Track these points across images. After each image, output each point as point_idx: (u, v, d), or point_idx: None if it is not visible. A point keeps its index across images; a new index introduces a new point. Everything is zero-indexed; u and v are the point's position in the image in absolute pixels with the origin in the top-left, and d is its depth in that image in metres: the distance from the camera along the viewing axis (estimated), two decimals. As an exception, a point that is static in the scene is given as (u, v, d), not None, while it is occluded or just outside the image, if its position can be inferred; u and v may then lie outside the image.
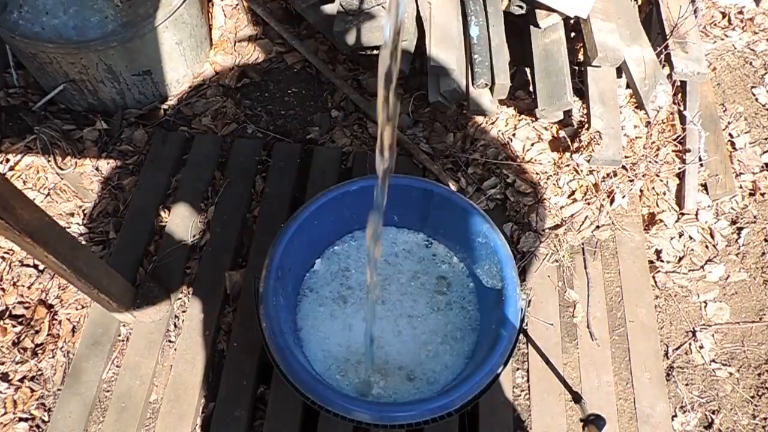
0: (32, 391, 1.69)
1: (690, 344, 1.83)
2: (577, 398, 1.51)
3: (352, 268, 1.62)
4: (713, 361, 1.80)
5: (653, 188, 2.05)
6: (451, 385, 1.31)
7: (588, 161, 1.94)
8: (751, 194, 2.10)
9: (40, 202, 1.99)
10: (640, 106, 1.99)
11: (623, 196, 1.99)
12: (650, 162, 2.04)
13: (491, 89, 1.91)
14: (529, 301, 1.81)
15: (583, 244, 1.94)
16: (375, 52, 2.31)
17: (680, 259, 1.95)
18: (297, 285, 1.60)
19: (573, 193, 2.02)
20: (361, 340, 1.51)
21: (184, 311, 1.80)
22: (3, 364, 1.72)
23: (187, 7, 2.09)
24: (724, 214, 2.05)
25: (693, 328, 1.85)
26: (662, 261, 1.94)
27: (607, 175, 2.02)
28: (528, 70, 2.23)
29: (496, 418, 1.62)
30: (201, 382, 1.68)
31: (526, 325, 1.78)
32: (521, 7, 1.97)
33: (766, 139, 2.24)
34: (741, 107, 2.31)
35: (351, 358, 1.50)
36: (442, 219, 1.61)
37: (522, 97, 2.21)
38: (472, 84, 1.92)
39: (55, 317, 1.80)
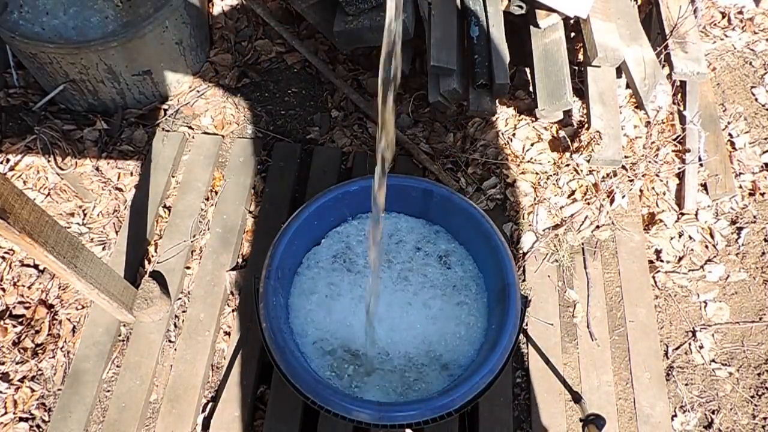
0: (32, 391, 1.69)
1: (690, 344, 1.83)
2: (577, 398, 1.51)
3: (353, 241, 1.60)
4: (713, 361, 1.80)
5: (653, 188, 2.05)
6: (452, 384, 1.30)
7: (588, 161, 1.94)
8: (750, 194, 2.10)
9: (40, 202, 1.99)
10: (639, 106, 1.99)
11: (623, 196, 1.99)
12: (650, 162, 2.04)
13: (491, 89, 1.91)
14: (529, 301, 1.81)
15: (583, 244, 1.94)
16: (375, 52, 2.31)
17: (680, 259, 1.95)
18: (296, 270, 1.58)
19: (573, 193, 2.02)
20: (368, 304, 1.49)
21: (184, 311, 1.80)
22: (3, 364, 1.72)
23: (187, 7, 2.09)
24: (724, 214, 2.05)
25: (693, 328, 1.85)
26: (662, 261, 1.94)
27: (607, 175, 2.02)
28: (528, 70, 2.23)
29: (496, 418, 1.62)
30: (201, 382, 1.68)
31: (526, 325, 1.78)
32: (521, 7, 1.97)
33: (765, 139, 2.24)
34: (741, 107, 2.31)
35: (357, 323, 1.48)
36: (442, 219, 1.61)
37: (522, 97, 2.21)
38: (472, 84, 1.92)
39: (55, 317, 1.80)
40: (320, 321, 1.47)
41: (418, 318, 1.49)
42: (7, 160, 2.04)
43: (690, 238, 1.99)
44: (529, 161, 2.07)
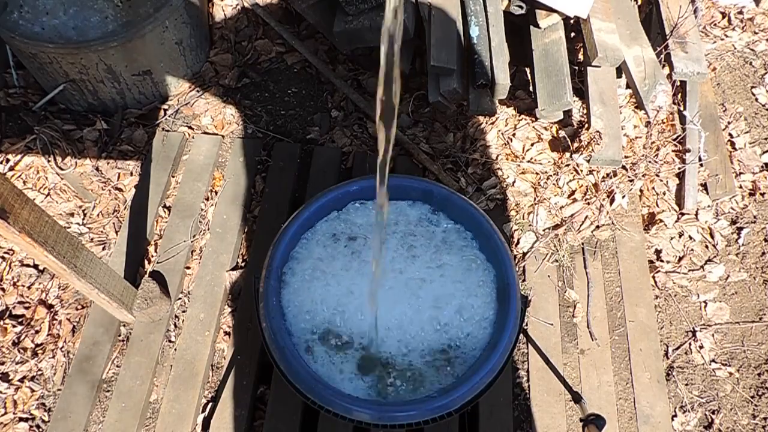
0: (32, 391, 1.69)
1: (690, 344, 1.83)
2: (577, 398, 1.51)
3: (352, 212, 1.56)
4: (713, 361, 1.80)
5: (653, 188, 2.05)
6: (451, 385, 1.30)
7: (588, 161, 1.94)
8: (751, 194, 2.10)
9: (40, 202, 1.99)
10: (640, 106, 1.99)
11: (623, 196, 1.99)
12: (650, 162, 2.04)
13: (491, 89, 1.91)
14: (529, 301, 1.81)
15: (583, 244, 1.94)
16: (375, 52, 2.31)
17: (680, 259, 1.95)
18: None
19: (573, 193, 2.02)
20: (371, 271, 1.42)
21: (184, 311, 1.80)
22: (3, 364, 1.72)
23: (187, 7, 2.09)
24: (724, 214, 2.05)
25: (693, 328, 1.85)
26: (662, 261, 1.94)
27: (607, 175, 2.02)
28: (528, 70, 2.23)
29: (496, 418, 1.62)
30: (201, 382, 1.68)
31: (526, 325, 1.78)
32: (521, 7, 1.96)
33: (766, 139, 2.24)
34: (741, 107, 2.31)
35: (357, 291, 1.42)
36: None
37: (522, 97, 2.21)
38: (472, 84, 1.92)
39: (55, 317, 1.80)
40: (314, 291, 1.41)
41: (426, 274, 1.41)
42: (7, 160, 2.04)
43: (690, 238, 1.99)
44: (529, 161, 2.07)
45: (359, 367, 1.34)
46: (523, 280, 1.86)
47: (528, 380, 1.70)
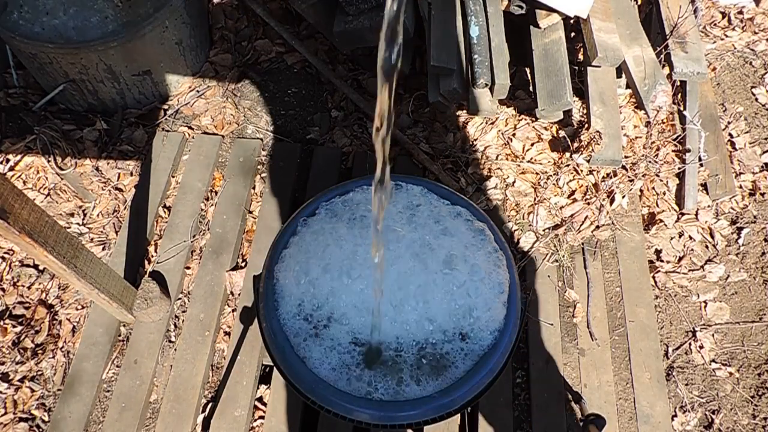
0: (32, 391, 1.69)
1: (690, 344, 1.83)
2: (577, 398, 1.51)
3: (350, 192, 1.52)
4: (713, 361, 1.80)
5: (653, 188, 2.05)
6: (452, 383, 1.30)
7: (588, 161, 1.94)
8: (751, 194, 2.10)
9: (40, 202, 1.99)
10: (640, 106, 1.99)
11: (623, 196, 1.99)
12: (650, 162, 2.04)
13: (491, 89, 1.91)
14: (529, 301, 1.81)
15: (583, 244, 1.94)
16: (375, 52, 2.31)
17: (680, 259, 1.95)
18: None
19: (573, 193, 2.02)
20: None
21: (184, 311, 1.80)
22: (3, 364, 1.72)
23: (187, 7, 2.09)
24: (724, 214, 2.05)
25: (693, 328, 1.85)
26: (662, 261, 1.94)
27: (607, 175, 2.02)
28: (528, 70, 2.23)
29: (496, 418, 1.62)
30: (201, 382, 1.68)
31: (526, 325, 1.78)
32: (521, 7, 1.96)
33: (766, 139, 2.24)
34: (741, 107, 2.31)
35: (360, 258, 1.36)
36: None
37: (522, 97, 2.21)
38: (472, 84, 1.92)
39: (55, 317, 1.80)
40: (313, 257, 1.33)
41: (429, 237, 1.35)
42: (7, 160, 2.04)
43: (690, 238, 1.99)
44: (529, 161, 2.07)
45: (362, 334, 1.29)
46: (523, 280, 1.86)
47: (528, 380, 1.70)
